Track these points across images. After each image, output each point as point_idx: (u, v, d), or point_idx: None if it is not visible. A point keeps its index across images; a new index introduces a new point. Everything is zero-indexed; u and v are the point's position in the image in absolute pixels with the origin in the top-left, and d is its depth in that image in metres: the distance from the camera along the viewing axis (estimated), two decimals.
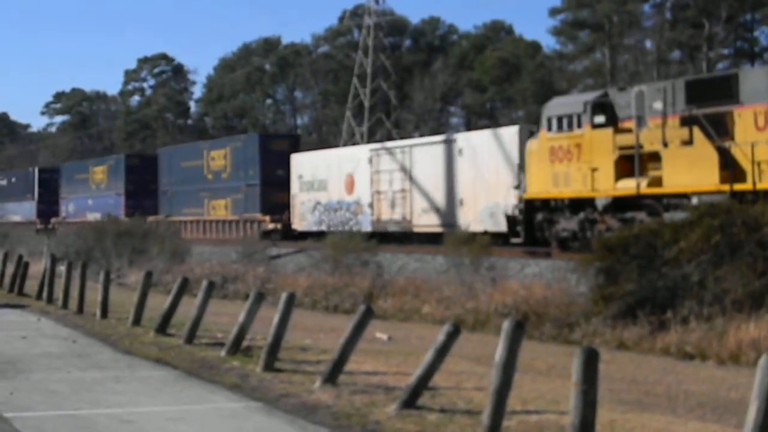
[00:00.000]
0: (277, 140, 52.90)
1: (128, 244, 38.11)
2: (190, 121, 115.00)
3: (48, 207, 73.55)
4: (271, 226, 46.30)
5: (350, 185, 41.28)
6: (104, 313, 22.02)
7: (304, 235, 42.87)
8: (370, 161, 39.70)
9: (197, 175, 54.59)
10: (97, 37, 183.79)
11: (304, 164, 45.29)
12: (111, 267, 32.88)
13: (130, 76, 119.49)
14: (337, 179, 42.15)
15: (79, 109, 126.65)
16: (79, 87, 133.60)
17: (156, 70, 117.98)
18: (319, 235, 38.94)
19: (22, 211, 77.51)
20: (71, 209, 70.27)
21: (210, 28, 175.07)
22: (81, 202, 68.78)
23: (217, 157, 53.16)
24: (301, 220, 44.53)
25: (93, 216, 62.05)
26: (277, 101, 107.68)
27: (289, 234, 44.54)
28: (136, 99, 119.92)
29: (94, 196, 66.91)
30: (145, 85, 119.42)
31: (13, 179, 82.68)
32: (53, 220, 71.04)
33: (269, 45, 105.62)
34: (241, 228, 48.55)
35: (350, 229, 37.31)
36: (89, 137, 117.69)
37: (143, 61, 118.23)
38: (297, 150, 48.77)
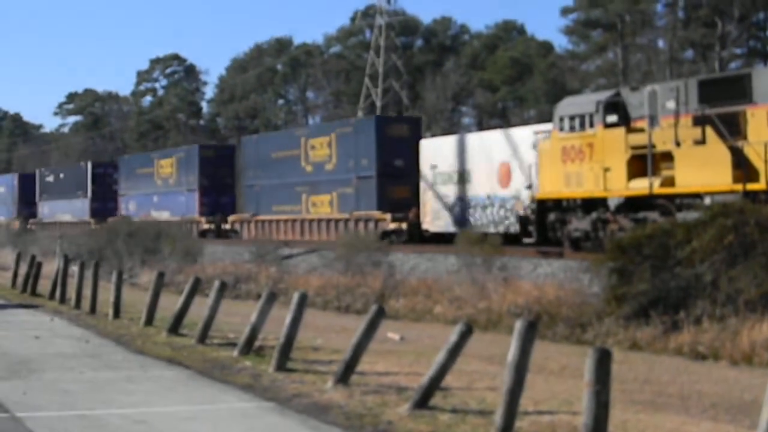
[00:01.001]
0: (396, 123, 44.54)
1: (140, 244, 38.15)
2: (202, 122, 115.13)
3: (102, 205, 67.79)
4: (392, 225, 39.57)
5: (505, 176, 34.45)
6: (117, 313, 22.06)
7: (438, 238, 36.49)
8: (536, 146, 30.62)
9: (292, 167, 46.73)
10: (110, 38, 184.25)
11: (438, 151, 38.43)
12: (123, 267, 32.96)
13: (142, 76, 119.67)
14: (486, 169, 35.41)
15: (92, 109, 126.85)
16: (92, 88, 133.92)
17: (168, 71, 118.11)
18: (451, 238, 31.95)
19: (74, 209, 70.74)
20: (132, 207, 63.22)
21: (222, 29, 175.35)
22: (144, 199, 61.96)
23: (319, 146, 45.22)
24: (435, 219, 38.01)
25: (160, 214, 57.31)
26: (289, 101, 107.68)
27: (417, 235, 38.22)
28: (148, 99, 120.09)
29: (161, 193, 59.98)
30: (157, 85, 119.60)
31: (62, 175, 76.13)
32: (111, 219, 61.40)
33: (281, 45, 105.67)
34: (352, 228, 40.40)
35: (506, 231, 32.56)
36: (102, 138, 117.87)
37: (155, 62, 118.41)
38: (418, 135, 42.19)
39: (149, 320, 20.28)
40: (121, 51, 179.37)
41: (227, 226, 52.17)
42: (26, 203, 79.53)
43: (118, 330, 19.77)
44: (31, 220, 76.04)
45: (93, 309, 23.40)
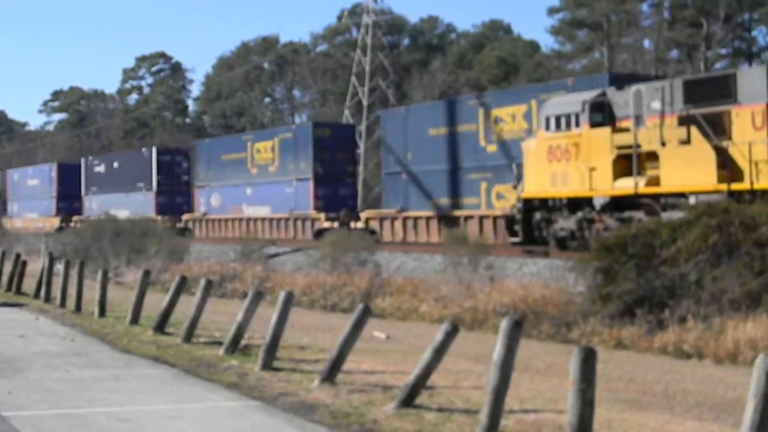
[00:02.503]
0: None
1: (126, 242, 38.09)
2: (188, 120, 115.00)
3: (170, 199, 58.21)
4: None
5: None
6: (102, 311, 22.02)
7: None
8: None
9: (469, 148, 36.06)
10: (96, 36, 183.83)
11: None
12: (109, 266, 32.94)
13: (128, 74, 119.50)
14: None
15: (77, 107, 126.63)
16: (77, 85, 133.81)
17: (154, 69, 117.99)
18: None
19: (134, 205, 59.42)
20: (216, 202, 53.05)
21: (208, 27, 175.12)
22: (232, 192, 51.23)
23: (508, 117, 34.45)
24: None
25: (256, 210, 48.76)
26: (276, 100, 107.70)
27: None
28: (134, 97, 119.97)
29: (257, 184, 49.21)
30: (143, 83, 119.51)
31: (116, 164, 64.88)
32: (186, 217, 54.98)
33: (268, 43, 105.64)
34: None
35: None
36: (87, 135, 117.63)
37: (141, 60, 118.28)
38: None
39: (135, 319, 20.26)
40: (107, 49, 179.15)
41: (357, 224, 40.81)
42: (68, 198, 69.78)
43: (103, 329, 19.73)
44: (75, 217, 64.99)
45: (78, 308, 23.35)
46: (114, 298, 23.69)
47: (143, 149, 65.63)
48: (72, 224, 62.88)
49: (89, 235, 41.20)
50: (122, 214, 58.04)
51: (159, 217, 54.79)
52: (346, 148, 47.15)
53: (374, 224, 40.15)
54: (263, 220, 47.64)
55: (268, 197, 48.08)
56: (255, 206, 49.05)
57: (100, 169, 66.45)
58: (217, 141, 60.11)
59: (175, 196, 58.56)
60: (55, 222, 67.10)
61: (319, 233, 41.87)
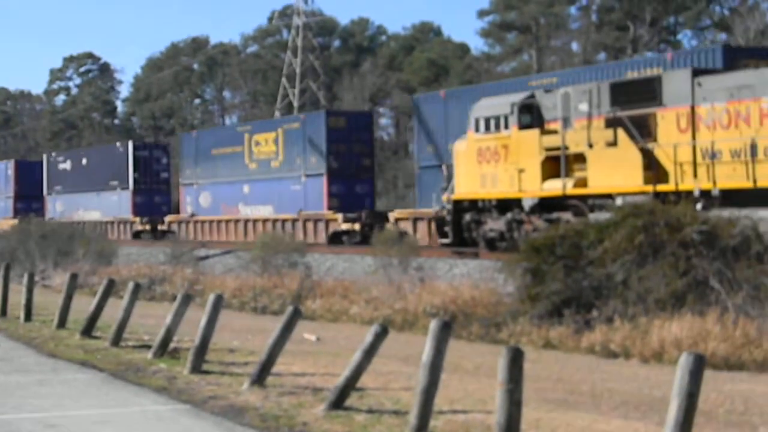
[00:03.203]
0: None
1: (53, 245, 37.61)
2: (117, 121, 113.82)
3: (148, 198, 53.31)
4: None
5: None
6: (28, 315, 21.72)
7: None
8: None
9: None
10: (22, 35, 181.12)
11: None
12: (35, 269, 32.46)
13: (55, 75, 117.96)
14: None
15: (3, 108, 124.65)
16: (3, 86, 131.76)
17: (82, 69, 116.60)
18: None
19: (106, 205, 54.85)
20: (206, 201, 47.88)
21: (137, 27, 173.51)
22: (226, 190, 46.06)
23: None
24: None
25: (255, 211, 43.80)
26: (206, 101, 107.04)
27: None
28: (61, 98, 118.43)
29: (256, 181, 43.87)
30: (70, 84, 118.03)
31: (85, 160, 58.62)
32: (170, 218, 49.57)
33: (197, 44, 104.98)
34: None
35: None
36: (13, 137, 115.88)
37: (69, 60, 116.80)
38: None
39: (62, 323, 20.01)
40: (34, 49, 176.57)
41: (389, 225, 35.57)
42: (27, 198, 63.60)
43: (29, 333, 19.47)
44: (35, 220, 62.57)
45: (3, 312, 23.00)
46: (41, 302, 23.37)
47: (117, 144, 59.30)
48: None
49: (15, 237, 40.58)
50: (93, 215, 55.54)
51: (137, 219, 51.22)
52: (363, 139, 41.28)
53: (406, 226, 35.31)
54: (264, 221, 42.28)
55: (270, 196, 42.79)
56: (254, 206, 43.85)
57: (66, 166, 60.27)
58: (207, 133, 54.26)
59: (154, 195, 53.55)
60: (13, 223, 62.79)
61: (335, 236, 38.26)
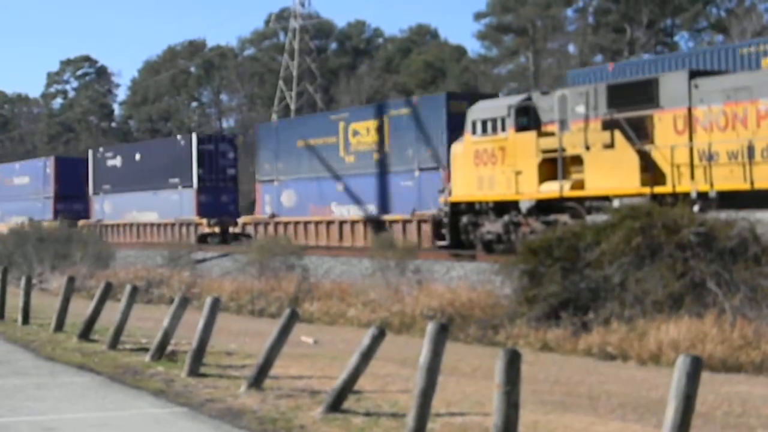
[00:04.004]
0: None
1: (50, 248, 37.60)
2: (114, 124, 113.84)
3: (215, 198, 47.15)
4: None
5: None
6: (26, 318, 21.71)
7: None
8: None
9: None
10: (19, 39, 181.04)
11: None
12: (33, 272, 32.47)
13: (52, 78, 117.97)
14: None
15: (0, 111, 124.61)
16: (0, 89, 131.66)
17: (79, 72, 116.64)
18: None
19: (165, 205, 48.69)
20: (289, 201, 41.35)
21: (134, 31, 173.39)
22: (316, 188, 39.23)
23: None
24: None
25: (351, 211, 37.37)
26: (203, 104, 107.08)
27: None
28: (58, 101, 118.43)
29: (354, 176, 37.39)
30: (68, 87, 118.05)
31: (138, 156, 52.42)
32: (245, 220, 43.66)
33: (194, 47, 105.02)
34: None
35: None
36: (10, 140, 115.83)
37: (66, 63, 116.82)
38: None
39: (59, 326, 20.01)
40: (31, 52, 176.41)
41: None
42: (68, 199, 58.31)
43: (27, 336, 19.46)
44: (81, 222, 54.12)
45: (1, 314, 22.99)
46: (38, 305, 23.36)
47: (178, 137, 53.56)
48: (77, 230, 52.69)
49: (12, 240, 40.57)
50: (148, 217, 49.70)
51: (203, 221, 45.39)
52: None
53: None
54: (365, 222, 36.58)
55: (371, 193, 36.83)
56: (350, 205, 37.87)
57: (115, 162, 54.05)
58: (291, 122, 47.50)
59: (221, 194, 47.53)
60: (54, 227, 57.94)
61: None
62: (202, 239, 45.08)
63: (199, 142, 47.94)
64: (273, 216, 41.60)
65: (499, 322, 19.11)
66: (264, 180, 43.01)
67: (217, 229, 44.78)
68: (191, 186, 47.15)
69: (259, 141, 44.74)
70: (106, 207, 54.30)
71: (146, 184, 50.38)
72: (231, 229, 44.10)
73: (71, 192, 58.06)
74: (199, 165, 47.14)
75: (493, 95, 34.94)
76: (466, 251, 28.38)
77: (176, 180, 48.36)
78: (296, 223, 40.07)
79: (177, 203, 47.94)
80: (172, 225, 47.68)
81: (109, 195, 54.36)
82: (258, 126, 47.99)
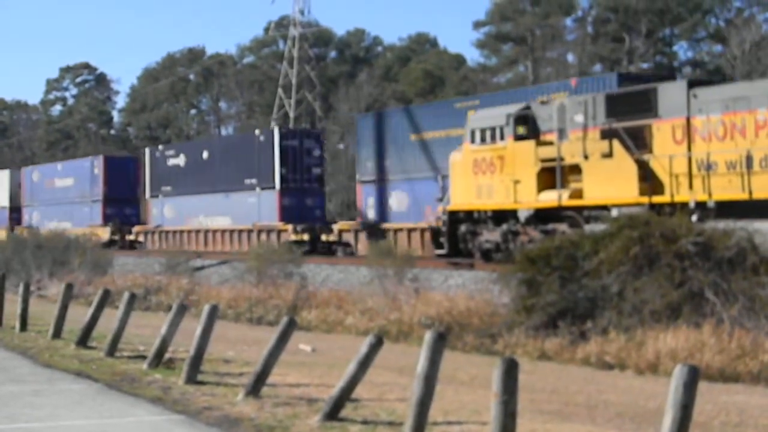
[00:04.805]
0: None
1: (48, 255, 37.59)
2: (113, 131, 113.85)
3: (299, 201, 41.86)
4: None
5: None
6: (23, 325, 21.70)
7: None
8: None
9: None
10: (18, 46, 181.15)
11: None
12: (31, 279, 32.45)
13: (51, 85, 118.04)
14: None
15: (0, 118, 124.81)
16: None
17: (78, 80, 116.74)
18: None
19: (240, 209, 43.37)
20: (400, 204, 36.85)
21: (133, 38, 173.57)
22: (433, 187, 32.00)
23: None
24: None
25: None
26: (202, 111, 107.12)
27: None
28: (57, 108, 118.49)
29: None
30: (67, 94, 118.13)
31: (206, 154, 46.88)
32: (342, 226, 39.01)
33: (193, 55, 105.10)
34: None
35: None
36: (9, 147, 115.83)
37: (65, 70, 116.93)
38: None
39: (57, 333, 19.99)
40: (31, 59, 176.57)
41: None
42: (119, 202, 53.50)
43: (24, 343, 19.44)
44: (136, 228, 50.56)
45: None
46: (36, 312, 23.34)
47: (257, 131, 47.94)
48: (131, 237, 49.60)
49: (11, 247, 40.56)
50: (219, 222, 44.53)
51: (288, 227, 40.09)
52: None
53: None
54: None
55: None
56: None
57: (178, 161, 48.72)
58: (402, 112, 39.54)
59: (306, 196, 42.34)
60: (103, 233, 50.83)
61: None
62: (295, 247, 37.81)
63: (282, 137, 42.28)
64: (375, 223, 37.16)
65: (497, 331, 19.11)
66: (365, 180, 38.23)
67: (305, 237, 39.39)
68: (273, 187, 41.64)
69: (360, 135, 39.56)
70: (166, 211, 49.09)
71: (216, 186, 45.01)
72: (324, 237, 38.82)
73: (122, 195, 53.43)
74: (282, 163, 41.55)
75: (670, 77, 30.34)
76: (464, 260, 28.39)
77: (253, 181, 42.86)
78: (410, 231, 35.46)
79: (254, 207, 42.41)
80: (249, 232, 42.15)
81: (171, 198, 48.92)
82: (358, 117, 42.89)
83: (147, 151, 52.55)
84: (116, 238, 50.06)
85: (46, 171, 61.38)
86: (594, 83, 29.63)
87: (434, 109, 37.66)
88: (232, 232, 43.55)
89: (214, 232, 44.59)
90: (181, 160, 48.62)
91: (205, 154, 46.91)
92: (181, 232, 47.01)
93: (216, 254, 31.76)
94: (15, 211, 62.17)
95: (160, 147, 52.62)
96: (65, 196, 56.90)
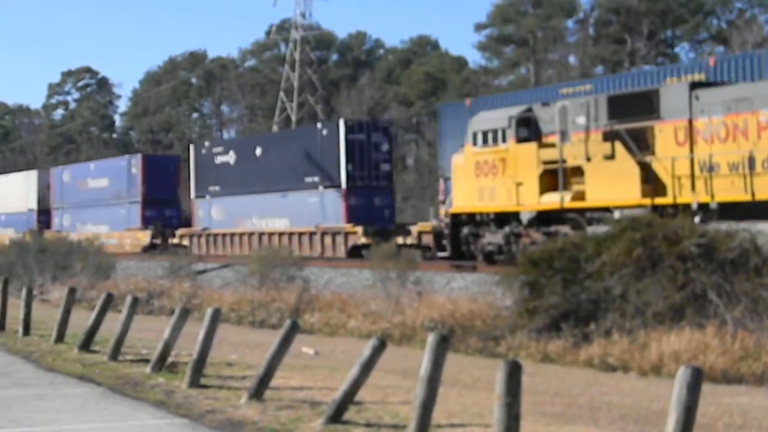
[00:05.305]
0: None
1: (51, 259, 37.59)
2: (115, 135, 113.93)
3: (367, 200, 38.31)
4: None
5: None
6: (26, 330, 21.70)
7: None
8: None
9: None
10: (20, 50, 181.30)
11: None
12: (34, 283, 32.45)
13: (53, 89, 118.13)
14: None
15: (2, 122, 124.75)
16: (1, 100, 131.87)
17: (80, 84, 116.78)
18: None
19: (300, 209, 39.78)
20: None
21: (135, 42, 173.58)
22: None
23: None
24: None
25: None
26: (204, 115, 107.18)
27: None
28: (59, 113, 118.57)
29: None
30: (69, 98, 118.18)
31: (259, 150, 42.79)
32: (420, 228, 34.66)
33: (195, 58, 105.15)
34: None
35: None
36: (11, 151, 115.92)
37: (67, 75, 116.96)
38: None
39: (60, 337, 20.00)
40: (32, 63, 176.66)
41: None
42: (158, 203, 50.15)
43: (27, 347, 19.44)
44: (180, 231, 47.13)
45: (2, 326, 22.98)
46: (39, 316, 23.34)
47: (319, 124, 44.11)
48: (174, 240, 46.33)
49: (13, 251, 40.57)
50: (276, 224, 40.98)
51: (357, 229, 36.84)
52: None
53: None
54: None
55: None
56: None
57: (227, 158, 44.86)
58: (498, 99, 34.86)
59: (374, 195, 38.61)
60: (143, 237, 48.43)
61: None
62: (354, 252, 36.88)
63: (348, 130, 38.28)
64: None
65: (499, 334, 19.10)
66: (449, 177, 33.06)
67: (378, 240, 35.35)
68: (337, 186, 38.03)
69: (442, 127, 35.91)
70: (214, 213, 45.52)
71: (272, 185, 41.30)
72: (400, 240, 34.51)
73: (161, 195, 50.15)
74: (348, 159, 37.84)
75: None
76: (466, 262, 28.38)
77: (315, 179, 39.23)
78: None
79: (317, 207, 38.98)
80: (311, 234, 38.72)
81: (219, 198, 45.32)
82: (442, 107, 38.35)
83: (191, 147, 49.22)
84: (158, 242, 47.22)
85: (78, 171, 58.00)
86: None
87: (534, 95, 33.01)
88: (291, 234, 40.03)
89: (270, 234, 41.00)
90: (230, 158, 44.77)
91: (258, 151, 42.95)
92: (232, 235, 43.37)
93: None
94: (44, 213, 58.91)
95: (207, 143, 49.09)
96: (100, 198, 53.58)
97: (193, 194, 47.31)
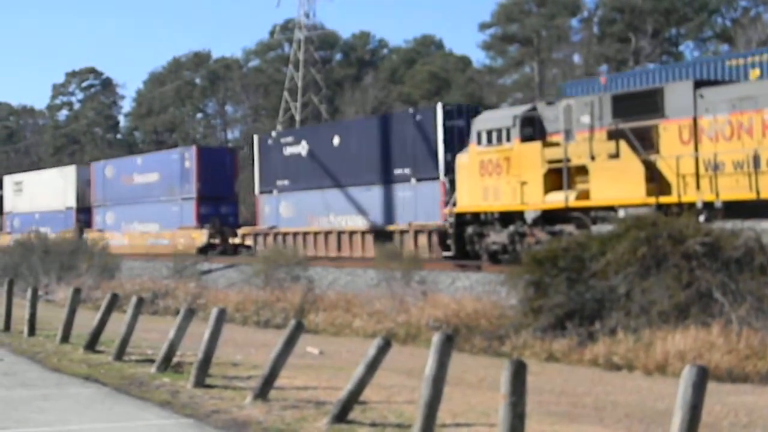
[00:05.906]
0: None
1: (56, 260, 37.61)
2: (119, 135, 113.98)
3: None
4: None
5: None
6: (32, 330, 21.72)
7: None
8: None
9: None
10: (24, 51, 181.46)
11: None
12: (39, 283, 32.48)
13: (57, 90, 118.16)
14: None
15: (6, 123, 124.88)
16: (6, 101, 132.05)
17: (84, 84, 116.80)
18: None
19: (388, 206, 35.73)
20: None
21: (139, 42, 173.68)
22: None
23: None
24: None
25: None
26: (208, 115, 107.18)
27: None
28: (64, 113, 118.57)
29: None
30: (73, 99, 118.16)
31: (337, 139, 38.60)
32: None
33: (199, 59, 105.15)
34: None
35: None
36: (16, 152, 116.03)
37: (71, 75, 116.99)
38: None
39: (65, 337, 20.01)
40: (37, 64, 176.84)
41: None
42: (213, 200, 46.25)
43: (33, 347, 19.47)
44: (243, 229, 43.90)
45: (7, 326, 23.01)
46: (44, 317, 23.37)
47: (410, 110, 40.34)
48: (236, 240, 43.36)
49: (18, 252, 40.60)
50: (359, 222, 36.72)
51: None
52: None
53: None
54: None
55: None
56: None
57: (298, 149, 40.40)
58: (635, 76, 31.27)
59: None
60: (199, 237, 44.67)
61: None
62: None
63: (446, 115, 33.78)
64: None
65: (504, 333, 19.09)
66: None
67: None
68: (435, 178, 33.49)
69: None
70: (282, 210, 41.25)
71: (352, 178, 37.26)
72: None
73: (218, 191, 46.29)
74: (447, 149, 33.09)
75: None
76: (471, 262, 28.37)
77: (406, 171, 34.87)
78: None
79: (409, 203, 34.56)
80: (402, 233, 34.36)
81: (288, 194, 40.98)
82: (568, 85, 34.55)
83: (256, 138, 44.33)
84: (216, 241, 44.02)
85: (123, 165, 53.50)
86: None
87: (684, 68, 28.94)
88: (364, 233, 36.48)
89: (351, 233, 36.92)
90: (302, 149, 40.17)
91: (336, 140, 38.59)
92: (305, 234, 38.97)
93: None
94: (83, 212, 54.85)
95: (274, 133, 44.72)
96: (148, 194, 49.41)
97: (257, 189, 43.11)
